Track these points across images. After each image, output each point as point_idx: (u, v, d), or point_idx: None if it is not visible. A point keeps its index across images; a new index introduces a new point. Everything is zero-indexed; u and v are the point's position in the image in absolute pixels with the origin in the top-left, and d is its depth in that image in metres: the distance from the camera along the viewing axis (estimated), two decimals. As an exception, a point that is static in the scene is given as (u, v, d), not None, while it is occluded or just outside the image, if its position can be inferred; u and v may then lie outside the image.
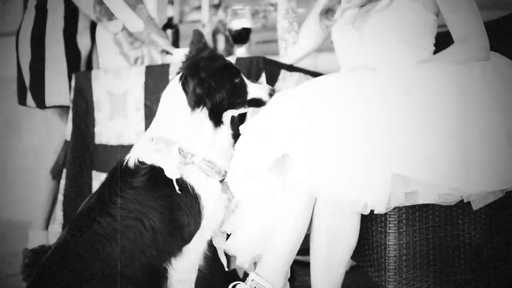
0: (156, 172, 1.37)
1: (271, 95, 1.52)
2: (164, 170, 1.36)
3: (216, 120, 1.44)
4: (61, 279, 1.28)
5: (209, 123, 1.43)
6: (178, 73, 1.49)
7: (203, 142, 1.42)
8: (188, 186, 1.38)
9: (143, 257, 1.32)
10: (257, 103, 1.51)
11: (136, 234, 1.32)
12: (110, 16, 2.19)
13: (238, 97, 1.47)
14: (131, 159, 1.41)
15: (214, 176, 1.43)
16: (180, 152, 1.39)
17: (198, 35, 1.54)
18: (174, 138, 1.41)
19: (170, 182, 1.36)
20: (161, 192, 1.36)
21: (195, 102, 1.39)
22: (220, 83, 1.41)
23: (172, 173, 1.35)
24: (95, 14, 2.19)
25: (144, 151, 1.41)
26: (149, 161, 1.39)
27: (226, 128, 1.49)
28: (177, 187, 1.35)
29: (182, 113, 1.41)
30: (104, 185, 1.41)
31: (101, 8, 2.19)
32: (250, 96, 1.50)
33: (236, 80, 1.46)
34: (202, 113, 1.41)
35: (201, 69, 1.39)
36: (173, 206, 1.36)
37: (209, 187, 1.42)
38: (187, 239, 1.39)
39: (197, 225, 1.39)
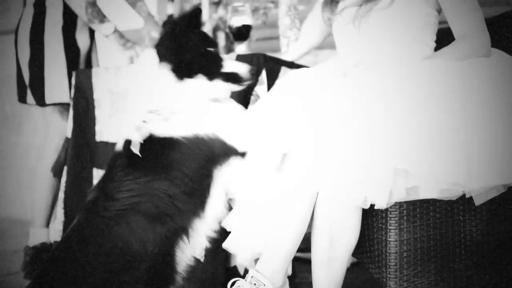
0: (155, 141, 1.36)
1: (252, 74, 1.52)
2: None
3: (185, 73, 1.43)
4: (67, 270, 1.25)
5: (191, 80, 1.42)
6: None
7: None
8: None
9: (159, 227, 1.28)
10: (236, 79, 1.50)
11: (150, 205, 1.29)
12: (102, 19, 2.19)
13: (210, 65, 1.46)
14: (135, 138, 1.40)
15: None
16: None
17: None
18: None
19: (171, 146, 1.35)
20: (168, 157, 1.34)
21: (163, 55, 1.41)
22: (192, 42, 1.42)
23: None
24: (86, 16, 2.19)
25: (150, 125, 1.40)
26: (159, 133, 1.37)
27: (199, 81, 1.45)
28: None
29: (169, 85, 1.41)
30: (106, 174, 1.41)
31: (92, 10, 2.18)
32: (225, 69, 1.48)
33: (211, 49, 1.47)
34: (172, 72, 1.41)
35: (177, 25, 1.42)
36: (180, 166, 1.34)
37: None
38: (205, 193, 1.37)
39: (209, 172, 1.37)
